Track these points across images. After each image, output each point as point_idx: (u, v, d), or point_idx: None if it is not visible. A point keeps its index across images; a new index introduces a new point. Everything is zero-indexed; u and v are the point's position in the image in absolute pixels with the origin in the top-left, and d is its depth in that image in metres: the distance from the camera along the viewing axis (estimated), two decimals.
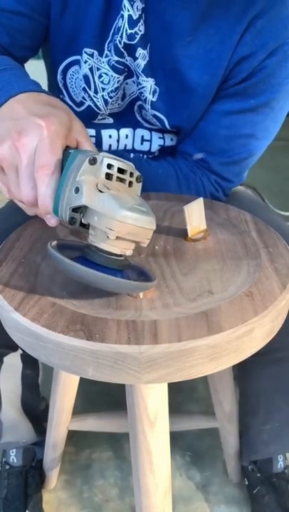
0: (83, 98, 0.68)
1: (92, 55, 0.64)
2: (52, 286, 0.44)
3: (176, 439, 0.97)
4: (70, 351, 0.37)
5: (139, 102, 0.69)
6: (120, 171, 0.42)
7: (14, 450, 0.87)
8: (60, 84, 0.69)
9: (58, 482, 0.91)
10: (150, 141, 0.73)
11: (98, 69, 0.65)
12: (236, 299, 0.41)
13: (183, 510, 0.86)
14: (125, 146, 0.74)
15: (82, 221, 0.41)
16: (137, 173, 0.43)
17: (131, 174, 0.43)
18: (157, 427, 0.48)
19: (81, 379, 0.70)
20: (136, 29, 0.61)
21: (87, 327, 0.38)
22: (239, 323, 0.38)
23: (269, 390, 0.73)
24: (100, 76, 0.65)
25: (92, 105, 0.68)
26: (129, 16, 0.60)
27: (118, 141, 0.73)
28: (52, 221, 0.45)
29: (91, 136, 0.72)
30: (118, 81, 0.65)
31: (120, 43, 0.62)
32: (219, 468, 0.94)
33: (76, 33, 0.63)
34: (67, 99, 0.70)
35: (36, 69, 0.81)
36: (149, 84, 0.65)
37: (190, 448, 0.98)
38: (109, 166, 0.41)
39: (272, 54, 0.59)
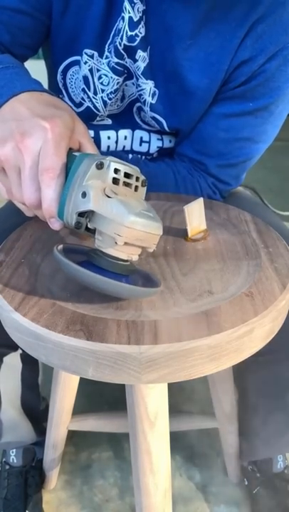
0: (82, 99, 0.68)
1: (92, 56, 0.64)
2: (52, 286, 0.44)
3: (176, 439, 0.97)
4: (70, 351, 0.37)
5: (138, 104, 0.69)
6: (127, 175, 0.41)
7: (14, 450, 0.87)
8: (60, 85, 0.69)
9: (58, 482, 0.91)
10: (149, 142, 0.73)
11: (98, 70, 0.65)
12: (236, 299, 0.41)
13: (183, 510, 0.86)
14: (124, 147, 0.74)
15: (88, 226, 0.41)
16: (142, 178, 0.43)
17: (137, 179, 0.42)
18: (157, 427, 0.48)
19: (81, 379, 0.71)
20: (136, 31, 0.60)
21: (87, 327, 0.38)
22: (239, 323, 0.38)
23: (268, 390, 0.73)
24: (100, 77, 0.65)
25: (91, 106, 0.68)
26: (130, 18, 0.60)
27: (117, 142, 0.73)
28: (56, 225, 0.44)
29: None
30: (117, 83, 0.65)
31: (120, 44, 0.62)
32: (219, 468, 0.94)
33: (77, 33, 0.63)
34: (66, 99, 0.70)
35: (37, 69, 0.81)
36: (148, 86, 0.65)
37: (190, 448, 0.98)
38: (116, 171, 0.40)
39: (272, 58, 0.59)
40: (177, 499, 0.87)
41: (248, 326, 0.38)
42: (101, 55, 0.64)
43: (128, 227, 0.38)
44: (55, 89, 0.70)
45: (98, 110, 0.68)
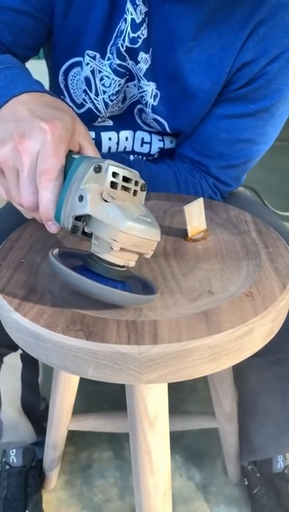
0: (84, 100, 0.68)
1: (94, 58, 0.64)
2: (52, 286, 0.44)
3: (176, 439, 0.97)
4: (70, 351, 0.37)
5: (139, 106, 0.69)
6: (125, 179, 0.41)
7: (14, 450, 0.87)
8: (62, 86, 0.69)
9: (58, 482, 0.91)
10: (150, 143, 0.73)
11: (100, 71, 0.65)
12: (236, 299, 0.41)
13: (183, 510, 0.86)
14: (125, 148, 0.74)
15: (85, 230, 0.40)
16: (141, 182, 0.42)
17: (136, 183, 0.42)
18: (157, 427, 0.48)
19: (81, 379, 0.71)
20: (139, 33, 0.60)
21: (87, 327, 0.38)
22: (239, 323, 0.38)
23: (267, 390, 0.74)
24: (102, 79, 0.65)
25: (93, 107, 0.68)
26: (132, 20, 0.60)
27: (118, 143, 0.73)
28: (52, 228, 0.44)
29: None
30: (119, 84, 0.65)
31: (122, 46, 0.62)
32: (219, 468, 0.94)
33: (79, 34, 0.63)
34: (68, 100, 0.70)
35: (38, 69, 0.81)
36: (150, 88, 0.65)
37: (190, 448, 0.98)
38: (115, 175, 0.40)
39: (273, 60, 0.59)
40: (177, 499, 0.87)
41: (248, 326, 0.38)
42: (103, 57, 0.64)
43: (124, 232, 0.37)
44: (56, 90, 0.70)
45: (99, 111, 0.68)
